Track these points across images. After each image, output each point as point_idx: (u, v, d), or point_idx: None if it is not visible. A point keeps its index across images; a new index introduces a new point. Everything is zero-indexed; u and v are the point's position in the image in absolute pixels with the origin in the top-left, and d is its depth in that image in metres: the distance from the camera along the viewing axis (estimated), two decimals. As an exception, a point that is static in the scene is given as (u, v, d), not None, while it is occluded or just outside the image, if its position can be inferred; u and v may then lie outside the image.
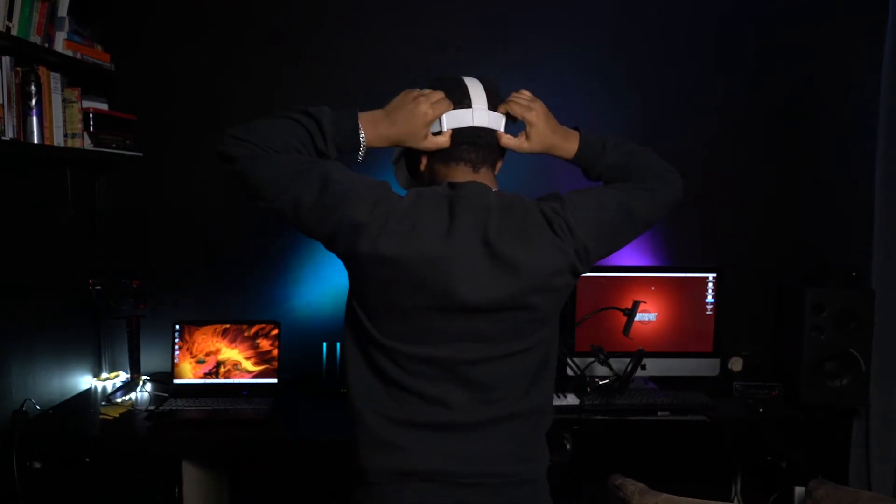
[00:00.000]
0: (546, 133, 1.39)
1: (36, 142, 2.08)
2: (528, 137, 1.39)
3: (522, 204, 1.31)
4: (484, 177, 1.36)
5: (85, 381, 2.50)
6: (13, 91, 1.99)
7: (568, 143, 1.42)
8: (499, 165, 1.40)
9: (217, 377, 2.38)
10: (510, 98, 1.39)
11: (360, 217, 1.22)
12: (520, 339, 1.30)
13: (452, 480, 1.27)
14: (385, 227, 1.22)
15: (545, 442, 1.37)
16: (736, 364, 2.47)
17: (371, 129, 1.32)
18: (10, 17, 1.97)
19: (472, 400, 1.29)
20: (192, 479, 2.15)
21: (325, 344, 2.51)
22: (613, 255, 1.55)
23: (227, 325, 2.39)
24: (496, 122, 1.36)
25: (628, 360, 2.15)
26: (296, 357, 2.52)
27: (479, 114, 1.34)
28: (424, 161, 1.38)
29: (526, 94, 1.41)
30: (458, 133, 1.33)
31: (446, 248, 1.23)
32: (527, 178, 1.98)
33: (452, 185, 1.31)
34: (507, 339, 1.29)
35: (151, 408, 2.23)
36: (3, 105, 1.94)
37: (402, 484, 1.27)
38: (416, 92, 1.34)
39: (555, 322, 1.37)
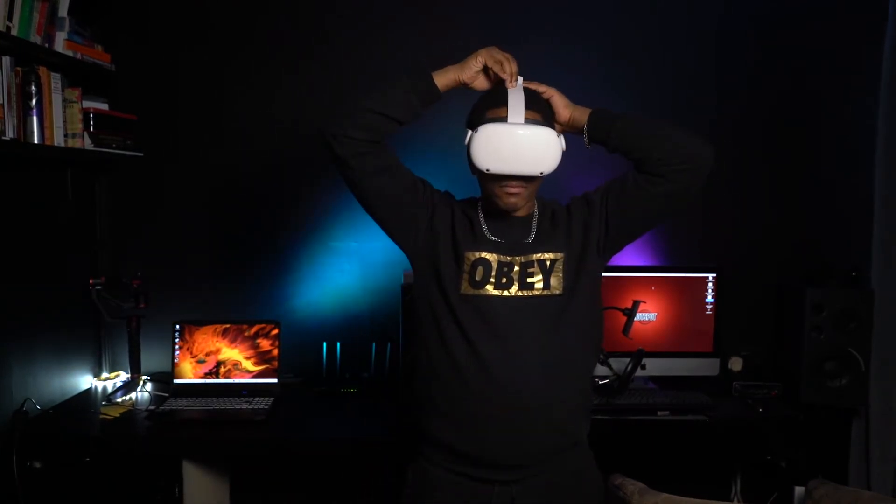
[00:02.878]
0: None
1: (36, 142, 2.08)
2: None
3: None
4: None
5: (85, 381, 2.50)
6: (13, 91, 2.00)
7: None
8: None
9: (217, 377, 2.38)
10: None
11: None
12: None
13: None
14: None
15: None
16: (736, 364, 2.47)
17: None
18: (10, 17, 1.98)
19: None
20: (192, 479, 2.15)
21: (325, 344, 2.51)
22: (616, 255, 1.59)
23: (227, 325, 2.39)
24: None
25: (628, 359, 2.15)
26: (296, 357, 2.52)
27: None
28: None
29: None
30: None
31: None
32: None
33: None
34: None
35: (152, 408, 2.23)
36: (3, 105, 1.95)
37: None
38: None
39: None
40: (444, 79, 1.49)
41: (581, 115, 1.52)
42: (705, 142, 1.46)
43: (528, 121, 1.44)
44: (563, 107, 1.52)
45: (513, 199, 1.48)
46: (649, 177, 1.46)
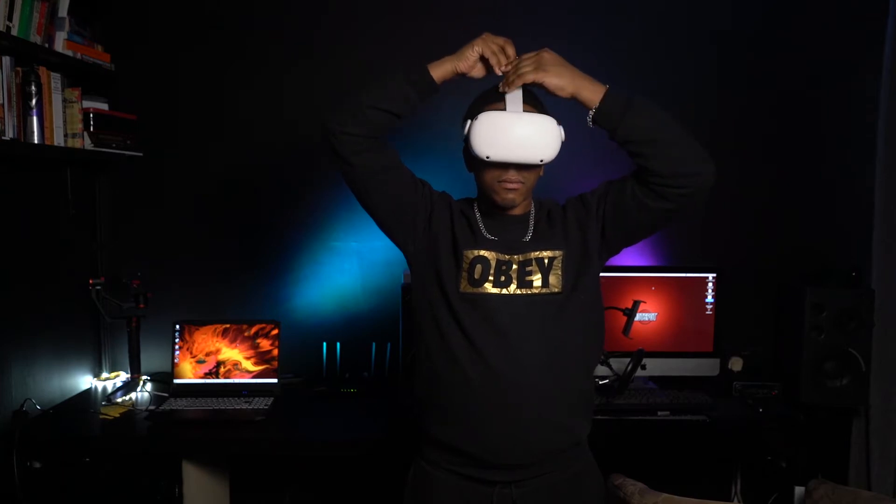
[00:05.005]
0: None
1: (36, 142, 2.08)
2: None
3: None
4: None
5: (85, 381, 2.50)
6: (13, 91, 2.00)
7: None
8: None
9: (217, 377, 2.38)
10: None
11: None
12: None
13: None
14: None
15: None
16: (736, 364, 2.47)
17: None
18: (10, 17, 1.98)
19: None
20: (192, 479, 2.15)
21: (325, 344, 2.51)
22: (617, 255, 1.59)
23: (227, 325, 2.39)
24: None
25: (628, 360, 2.15)
26: (296, 357, 2.52)
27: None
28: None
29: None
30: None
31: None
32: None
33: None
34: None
35: (151, 408, 2.23)
36: (3, 105, 1.94)
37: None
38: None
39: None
40: (440, 70, 1.46)
41: (590, 93, 1.42)
42: (707, 159, 1.41)
43: (526, 111, 1.45)
44: (558, 88, 1.42)
45: (511, 195, 1.48)
46: (649, 191, 1.43)
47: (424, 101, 1.48)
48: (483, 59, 1.48)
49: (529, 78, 1.42)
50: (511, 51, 1.46)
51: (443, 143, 2.26)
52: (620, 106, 1.41)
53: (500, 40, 1.47)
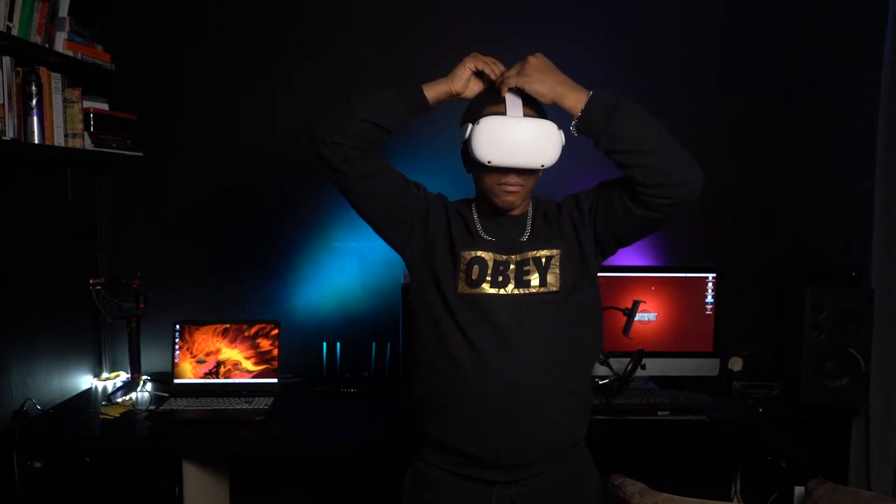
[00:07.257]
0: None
1: (36, 142, 2.08)
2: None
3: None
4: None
5: (85, 381, 2.50)
6: (14, 91, 2.00)
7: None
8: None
9: (217, 377, 2.38)
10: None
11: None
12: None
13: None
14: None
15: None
16: (736, 364, 2.47)
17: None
18: (10, 17, 1.98)
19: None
20: (192, 479, 2.15)
21: (325, 344, 2.51)
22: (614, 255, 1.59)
23: (227, 325, 2.39)
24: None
25: (628, 360, 2.15)
26: (296, 357, 2.52)
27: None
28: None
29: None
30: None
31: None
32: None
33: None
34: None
35: (152, 408, 2.23)
36: (3, 105, 1.95)
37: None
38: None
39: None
40: (434, 90, 1.49)
41: (572, 102, 1.42)
42: (693, 169, 1.39)
43: (527, 115, 1.46)
44: (538, 94, 1.44)
45: (510, 198, 1.49)
46: (634, 199, 1.43)
47: (415, 118, 1.50)
48: (477, 75, 1.50)
49: (512, 82, 1.45)
50: (501, 66, 1.50)
51: (439, 143, 2.27)
52: (603, 115, 1.40)
53: (489, 58, 1.50)
